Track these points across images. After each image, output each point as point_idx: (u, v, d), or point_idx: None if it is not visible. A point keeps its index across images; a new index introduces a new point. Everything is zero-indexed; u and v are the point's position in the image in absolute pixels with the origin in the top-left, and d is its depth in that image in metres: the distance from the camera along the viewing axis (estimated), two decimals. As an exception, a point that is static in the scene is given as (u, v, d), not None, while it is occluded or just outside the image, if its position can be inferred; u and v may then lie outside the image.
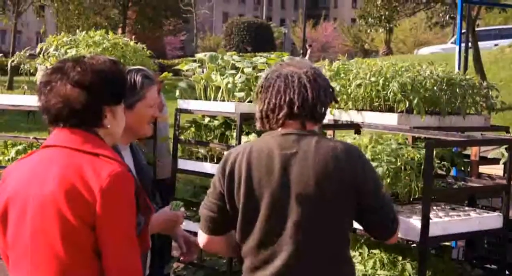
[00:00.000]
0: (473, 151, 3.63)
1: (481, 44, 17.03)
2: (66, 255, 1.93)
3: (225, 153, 2.37)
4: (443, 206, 3.18)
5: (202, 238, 2.37)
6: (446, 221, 2.90)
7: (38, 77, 4.09)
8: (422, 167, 2.94)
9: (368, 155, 2.95)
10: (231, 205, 2.25)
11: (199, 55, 4.41)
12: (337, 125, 3.70)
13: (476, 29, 18.50)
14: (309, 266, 2.20)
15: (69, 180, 1.93)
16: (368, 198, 2.22)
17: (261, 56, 4.49)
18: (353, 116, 3.58)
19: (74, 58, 2.15)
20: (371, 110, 3.52)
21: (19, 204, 1.99)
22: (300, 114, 2.24)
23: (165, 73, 4.76)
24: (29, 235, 1.97)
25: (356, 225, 2.35)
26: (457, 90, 3.60)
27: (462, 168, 3.70)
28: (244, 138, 3.93)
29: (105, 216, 1.92)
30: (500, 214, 3.11)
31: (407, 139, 3.59)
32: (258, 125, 2.36)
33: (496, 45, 21.46)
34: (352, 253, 3.24)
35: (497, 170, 3.83)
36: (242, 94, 4.00)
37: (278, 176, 2.20)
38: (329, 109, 3.63)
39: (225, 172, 2.27)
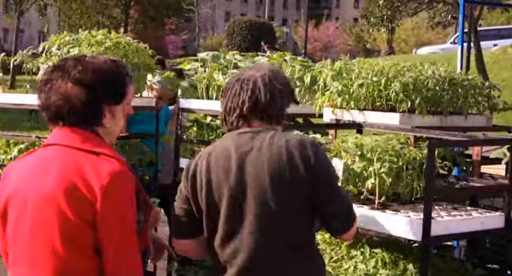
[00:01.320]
0: (475, 151, 3.63)
1: (483, 43, 17.04)
2: (65, 253, 1.93)
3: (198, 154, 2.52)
4: (445, 206, 3.18)
5: (177, 244, 2.45)
6: (448, 221, 2.90)
7: (40, 76, 4.10)
8: (424, 166, 2.94)
9: (370, 155, 2.96)
10: (196, 208, 2.33)
11: (201, 55, 4.41)
12: (339, 125, 3.70)
13: (479, 29, 18.50)
14: (270, 262, 2.25)
15: (69, 178, 1.93)
16: (323, 190, 2.27)
17: (263, 55, 4.49)
18: (355, 115, 3.58)
19: (75, 57, 2.16)
20: (373, 109, 3.52)
21: (19, 202, 2.00)
22: (251, 115, 2.35)
23: (167, 73, 4.76)
24: (28, 233, 1.97)
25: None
26: (459, 90, 3.60)
27: (464, 168, 3.70)
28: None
29: (106, 215, 1.92)
30: (502, 214, 3.11)
31: (409, 138, 3.58)
32: (222, 126, 2.48)
33: (495, 45, 21.44)
34: (354, 253, 3.24)
35: (499, 170, 3.82)
36: (244, 93, 4.00)
37: (235, 175, 2.27)
38: (331, 109, 3.65)
39: (188, 175, 2.36)
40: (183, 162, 4.29)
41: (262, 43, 28.64)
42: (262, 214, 2.24)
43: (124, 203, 1.96)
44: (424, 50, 25.72)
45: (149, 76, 4.51)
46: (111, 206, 1.93)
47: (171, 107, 5.00)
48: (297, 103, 2.52)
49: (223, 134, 4.19)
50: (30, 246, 1.97)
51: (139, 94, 4.56)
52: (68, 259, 1.93)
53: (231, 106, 2.38)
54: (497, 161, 3.68)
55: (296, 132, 3.29)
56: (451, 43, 23.26)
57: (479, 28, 21.12)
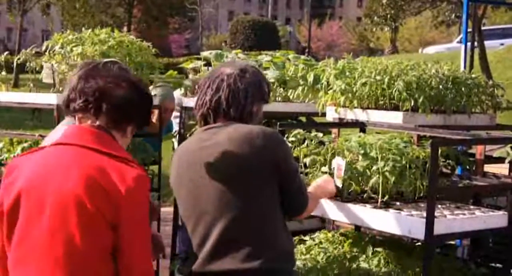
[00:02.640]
0: (478, 150, 3.62)
1: (486, 43, 16.98)
2: (84, 253, 1.92)
3: None
4: (448, 205, 3.18)
5: None
6: (451, 220, 2.89)
7: (44, 75, 4.10)
8: (427, 165, 2.94)
9: (373, 154, 2.95)
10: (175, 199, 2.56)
11: (204, 53, 4.41)
12: (342, 124, 3.70)
13: (484, 28, 18.45)
14: (237, 246, 2.33)
15: (94, 178, 1.93)
16: (285, 178, 2.39)
17: (266, 54, 4.49)
18: (358, 114, 3.58)
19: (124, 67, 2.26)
20: (376, 108, 3.52)
21: (34, 200, 1.96)
22: (216, 113, 2.44)
23: (170, 71, 4.77)
24: (46, 231, 1.93)
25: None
26: (463, 88, 3.59)
27: (467, 167, 3.69)
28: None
29: (129, 217, 1.94)
30: (505, 213, 3.10)
31: (412, 137, 3.58)
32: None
33: (502, 44, 21.37)
34: (356, 251, 3.24)
35: (503, 169, 3.82)
36: (247, 92, 3.99)
37: (197, 168, 2.38)
38: (334, 108, 3.64)
39: (171, 169, 2.52)
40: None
41: (223, 44, 28.72)
42: (223, 203, 2.34)
43: (145, 206, 2.00)
44: (431, 49, 25.64)
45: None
46: (135, 209, 1.96)
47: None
48: (266, 102, 2.56)
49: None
50: (47, 245, 1.93)
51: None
52: (86, 259, 1.92)
53: (199, 104, 2.48)
54: (500, 160, 3.67)
55: (298, 131, 3.29)
56: (457, 42, 23.19)
57: (485, 27, 21.10)
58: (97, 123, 2.05)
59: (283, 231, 2.44)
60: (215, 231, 2.35)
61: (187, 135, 4.31)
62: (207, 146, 2.39)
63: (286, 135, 3.28)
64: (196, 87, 2.60)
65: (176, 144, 4.75)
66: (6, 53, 4.72)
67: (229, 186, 2.34)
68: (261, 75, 2.59)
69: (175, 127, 4.95)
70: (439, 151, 2.91)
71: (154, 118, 4.41)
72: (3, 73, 4.61)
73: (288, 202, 2.45)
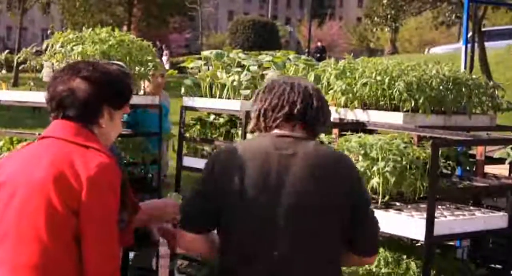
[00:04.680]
0: (478, 151, 3.62)
1: (493, 43, 16.95)
2: (49, 239, 2.02)
3: (216, 151, 2.38)
4: (448, 206, 3.18)
5: (183, 237, 2.33)
6: (451, 220, 2.89)
7: (44, 73, 4.10)
8: (428, 166, 2.94)
9: (373, 154, 2.95)
10: (216, 205, 2.21)
11: (204, 53, 4.41)
12: (342, 124, 3.70)
13: (489, 28, 18.42)
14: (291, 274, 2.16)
15: (59, 168, 2.04)
16: (360, 210, 2.21)
17: (266, 54, 4.49)
18: (359, 115, 3.58)
19: (88, 60, 2.30)
20: (377, 109, 3.52)
21: (10, 188, 2.11)
22: (298, 117, 2.23)
23: (170, 71, 4.76)
24: (14, 216, 2.07)
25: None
26: (463, 89, 3.59)
27: (468, 168, 3.69)
28: (249, 136, 3.92)
29: (88, 203, 2.02)
30: (505, 214, 3.11)
31: (412, 138, 3.58)
32: (251, 126, 2.34)
33: (509, 44, 21.30)
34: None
35: (503, 170, 3.82)
36: (247, 91, 4.00)
37: (276, 176, 2.16)
38: (334, 108, 3.64)
39: (215, 169, 2.23)
40: (186, 161, 4.29)
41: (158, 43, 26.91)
42: (296, 222, 2.14)
43: (108, 194, 2.06)
44: (437, 49, 25.59)
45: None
46: (95, 195, 2.03)
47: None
48: (327, 127, 2.40)
49: (226, 132, 4.22)
50: (16, 229, 2.07)
51: (142, 92, 4.56)
52: (50, 245, 2.03)
53: (277, 103, 2.25)
54: (500, 161, 3.67)
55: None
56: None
57: (492, 28, 21.02)
58: (71, 120, 2.16)
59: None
60: (271, 255, 2.14)
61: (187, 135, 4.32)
62: (288, 155, 2.18)
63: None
64: (266, 86, 2.34)
65: (169, 142, 4.73)
66: (6, 51, 4.72)
67: (307, 203, 2.15)
68: None
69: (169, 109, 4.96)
70: (440, 151, 2.91)
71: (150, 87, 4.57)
72: (3, 71, 4.61)
73: (358, 239, 2.25)
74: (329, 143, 3.27)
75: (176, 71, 4.83)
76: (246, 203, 2.18)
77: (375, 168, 2.93)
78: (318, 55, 26.41)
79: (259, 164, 2.18)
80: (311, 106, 2.25)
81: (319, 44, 30.14)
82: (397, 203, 3.02)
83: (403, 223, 2.80)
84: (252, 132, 2.39)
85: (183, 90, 4.46)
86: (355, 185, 2.22)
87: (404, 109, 3.41)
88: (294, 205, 2.15)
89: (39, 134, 4.27)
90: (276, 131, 2.26)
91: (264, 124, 2.28)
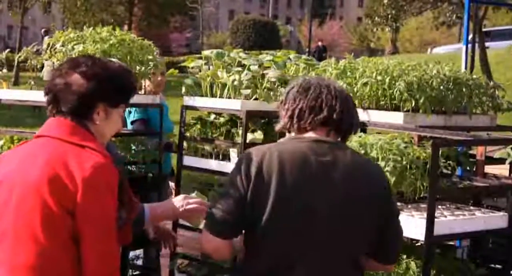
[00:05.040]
0: (479, 151, 3.62)
1: (496, 44, 16.94)
2: (45, 239, 2.03)
3: (244, 153, 2.22)
4: (448, 205, 3.18)
5: (210, 243, 2.21)
6: (451, 221, 2.90)
7: (45, 73, 4.10)
8: (428, 166, 2.94)
9: (374, 154, 2.95)
10: (252, 208, 2.12)
11: (205, 52, 4.41)
12: (342, 124, 3.70)
13: (492, 28, 18.39)
14: None
15: (54, 169, 2.04)
16: (391, 217, 2.25)
17: (267, 53, 4.48)
18: (359, 114, 3.57)
19: (90, 55, 2.29)
20: (377, 108, 3.52)
21: (6, 188, 2.11)
22: (336, 122, 2.18)
23: (171, 70, 4.76)
24: (12, 217, 2.08)
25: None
26: (464, 89, 3.59)
27: (468, 168, 3.70)
28: (249, 136, 3.93)
29: (84, 205, 2.01)
30: (505, 214, 3.11)
31: (412, 138, 3.58)
32: (280, 125, 2.26)
33: None
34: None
35: (503, 170, 3.82)
36: (248, 91, 4.00)
37: (316, 183, 2.10)
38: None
39: (251, 173, 2.11)
40: (187, 160, 4.29)
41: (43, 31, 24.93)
42: (334, 230, 2.12)
43: (104, 194, 2.05)
44: (440, 49, 25.55)
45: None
46: (91, 197, 2.02)
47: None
48: (355, 132, 2.38)
49: (227, 132, 4.21)
50: (13, 231, 2.08)
51: (143, 91, 4.56)
52: (47, 245, 2.03)
53: (314, 105, 2.18)
54: (501, 161, 3.67)
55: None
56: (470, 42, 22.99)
57: (495, 28, 20.96)
58: (66, 117, 2.16)
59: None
60: (308, 264, 2.10)
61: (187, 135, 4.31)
62: (328, 162, 2.12)
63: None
64: (300, 86, 2.25)
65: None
66: (7, 50, 4.72)
67: (345, 213, 2.13)
68: None
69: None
70: (440, 151, 2.91)
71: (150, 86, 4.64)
72: (4, 70, 4.61)
73: (384, 248, 2.27)
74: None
75: (177, 71, 4.81)
76: (283, 212, 2.10)
77: (375, 168, 2.93)
78: (319, 54, 26.40)
79: (298, 170, 2.11)
80: (348, 111, 2.21)
81: (319, 43, 30.16)
82: (397, 203, 3.01)
83: (403, 222, 2.78)
84: (278, 131, 2.32)
85: (183, 89, 4.45)
86: (387, 195, 2.24)
87: (405, 109, 3.41)
88: (331, 215, 2.11)
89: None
90: (311, 134, 2.20)
91: (297, 125, 2.21)
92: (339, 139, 2.26)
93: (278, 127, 2.30)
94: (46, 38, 4.37)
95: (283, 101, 2.28)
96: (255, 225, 2.13)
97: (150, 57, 4.17)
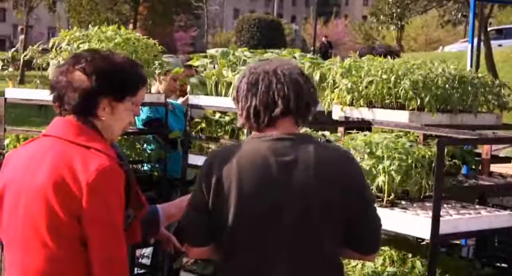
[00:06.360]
0: (484, 150, 3.61)
1: (510, 41, 16.88)
2: (53, 244, 2.01)
3: (206, 159, 2.18)
4: (453, 204, 3.17)
5: (193, 251, 2.23)
6: (457, 219, 2.89)
7: (51, 72, 4.11)
8: (433, 164, 2.94)
9: (379, 153, 2.95)
10: (215, 217, 2.09)
11: (210, 51, 4.41)
12: (348, 122, 3.69)
13: (506, 26, 18.30)
14: None
15: (59, 173, 2.01)
16: (364, 207, 2.15)
17: (272, 52, 4.48)
18: (364, 113, 3.57)
19: (94, 49, 2.24)
20: (382, 107, 3.51)
21: (14, 192, 2.09)
22: (294, 111, 2.09)
23: (176, 69, 4.77)
24: (20, 222, 2.07)
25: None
26: (469, 88, 3.58)
27: (473, 167, 3.69)
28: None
29: (90, 209, 1.99)
30: (511, 212, 3.10)
31: (418, 136, 3.58)
32: (241, 124, 2.19)
33: None
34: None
35: (509, 168, 3.81)
36: (253, 90, 3.99)
37: (277, 186, 2.04)
38: (340, 106, 3.64)
39: (211, 182, 2.07)
40: (192, 159, 4.29)
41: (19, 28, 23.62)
42: (301, 232, 2.06)
43: (109, 198, 2.01)
44: (452, 47, 25.42)
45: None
46: (96, 201, 1.99)
47: (180, 100, 4.93)
48: (316, 103, 2.23)
49: (232, 130, 4.22)
50: (21, 235, 2.07)
51: (148, 90, 4.57)
52: (56, 249, 2.02)
53: (268, 100, 2.07)
54: (506, 159, 3.67)
55: (304, 129, 3.29)
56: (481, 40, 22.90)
57: (507, 26, 20.83)
58: (71, 114, 2.12)
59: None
60: (281, 268, 2.06)
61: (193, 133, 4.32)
62: (289, 162, 2.04)
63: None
64: (248, 83, 2.14)
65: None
66: (12, 49, 4.73)
67: (311, 214, 2.05)
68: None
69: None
70: (445, 150, 2.90)
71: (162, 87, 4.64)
72: (10, 69, 4.63)
73: (359, 238, 2.17)
74: (335, 141, 3.27)
75: (182, 70, 4.82)
76: (246, 220, 2.05)
77: (380, 166, 2.93)
78: (324, 50, 26.31)
79: (258, 174, 2.04)
80: (301, 93, 2.09)
81: (324, 39, 30.02)
82: (403, 202, 3.01)
83: (408, 221, 2.80)
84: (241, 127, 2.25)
85: (188, 88, 4.46)
86: (357, 185, 2.13)
87: (410, 108, 3.40)
88: (297, 219, 2.05)
89: (45, 132, 4.30)
90: (272, 131, 2.11)
91: (256, 124, 2.13)
92: (303, 123, 2.17)
93: (238, 124, 2.25)
94: (21, 36, 4.39)
95: (235, 98, 2.20)
96: (221, 233, 2.10)
97: (155, 56, 4.17)
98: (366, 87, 3.48)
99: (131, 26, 28.87)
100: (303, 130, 3.21)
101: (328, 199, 2.07)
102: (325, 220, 2.09)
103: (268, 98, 2.08)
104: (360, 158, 3.00)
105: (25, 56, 4.36)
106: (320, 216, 2.08)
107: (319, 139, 2.22)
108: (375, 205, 2.26)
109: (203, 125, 4.34)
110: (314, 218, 2.07)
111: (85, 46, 3.95)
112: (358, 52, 3.96)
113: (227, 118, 4.29)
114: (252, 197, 2.04)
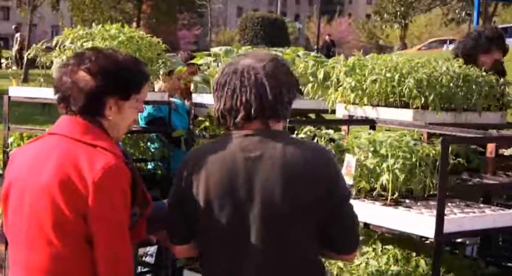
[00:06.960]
0: (489, 148, 3.60)
1: None
2: (58, 242, 2.02)
3: (183, 159, 2.17)
4: (457, 203, 3.17)
5: (177, 250, 2.24)
6: (461, 218, 2.88)
7: (54, 70, 4.11)
8: (437, 163, 2.93)
9: (383, 151, 2.95)
10: (189, 215, 2.11)
11: (214, 49, 4.41)
12: (351, 121, 3.69)
13: (508, 25, 18.26)
14: None
15: (65, 171, 2.01)
16: (337, 206, 2.10)
17: (275, 50, 4.48)
18: (368, 111, 3.57)
19: (97, 48, 2.24)
20: (386, 106, 3.51)
21: (18, 189, 2.10)
22: (259, 115, 2.07)
23: (180, 67, 4.76)
24: (25, 220, 2.07)
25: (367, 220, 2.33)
26: (474, 86, 3.57)
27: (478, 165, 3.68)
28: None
29: (95, 208, 1.99)
30: (516, 211, 3.09)
31: (422, 135, 3.57)
32: (217, 122, 2.20)
33: None
34: (365, 249, 3.23)
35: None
36: (256, 88, 3.99)
37: (242, 183, 2.03)
38: (343, 105, 3.63)
39: (183, 177, 2.11)
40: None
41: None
42: (269, 229, 2.04)
43: (115, 196, 2.02)
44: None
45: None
46: (102, 200, 1.99)
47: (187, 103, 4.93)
48: (301, 93, 2.28)
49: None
50: (26, 233, 2.07)
51: (152, 89, 4.57)
52: (61, 248, 2.02)
53: (231, 105, 2.08)
54: (511, 158, 3.65)
55: (308, 128, 3.28)
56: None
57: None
58: (76, 114, 2.12)
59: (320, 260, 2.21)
60: (251, 265, 2.06)
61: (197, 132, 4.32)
62: (255, 158, 2.03)
63: (296, 132, 3.27)
64: (217, 83, 2.16)
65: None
66: (16, 48, 4.74)
67: (276, 210, 2.03)
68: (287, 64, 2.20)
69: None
70: (449, 149, 2.90)
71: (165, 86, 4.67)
72: (14, 67, 4.63)
73: (334, 237, 2.14)
74: (339, 139, 3.26)
75: (185, 68, 4.82)
76: (215, 216, 2.06)
77: (384, 165, 2.92)
78: (327, 49, 26.30)
79: (225, 168, 2.04)
80: (266, 99, 2.06)
81: (326, 37, 29.98)
82: (407, 200, 3.01)
83: (412, 220, 2.79)
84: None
85: (192, 86, 4.46)
86: (328, 182, 2.08)
87: (414, 106, 3.40)
88: (263, 215, 2.03)
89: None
90: (243, 129, 2.11)
91: (226, 125, 2.15)
92: (279, 119, 2.14)
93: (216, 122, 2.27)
94: (17, 35, 4.40)
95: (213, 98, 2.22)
96: (197, 231, 2.14)
97: (159, 54, 4.17)
98: (370, 85, 3.48)
99: (134, 24, 28.91)
100: (306, 129, 3.22)
101: (295, 195, 2.04)
102: (294, 216, 2.05)
103: (231, 103, 2.10)
104: (364, 157, 3.00)
105: (29, 54, 4.35)
106: (287, 212, 2.05)
107: (294, 136, 2.16)
108: (351, 202, 2.18)
109: (207, 123, 4.33)
110: (280, 214, 2.04)
111: (89, 44, 3.95)
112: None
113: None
114: (218, 193, 2.05)
